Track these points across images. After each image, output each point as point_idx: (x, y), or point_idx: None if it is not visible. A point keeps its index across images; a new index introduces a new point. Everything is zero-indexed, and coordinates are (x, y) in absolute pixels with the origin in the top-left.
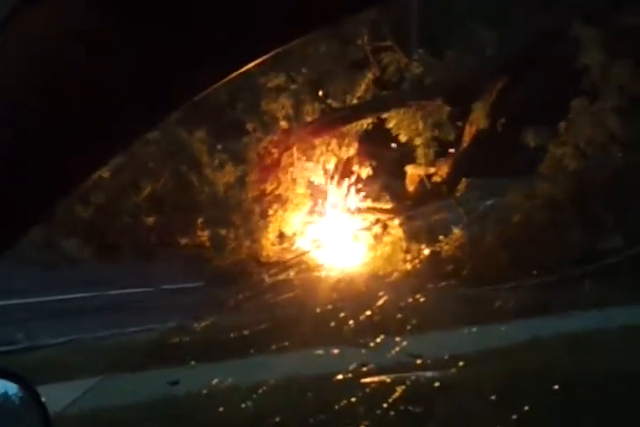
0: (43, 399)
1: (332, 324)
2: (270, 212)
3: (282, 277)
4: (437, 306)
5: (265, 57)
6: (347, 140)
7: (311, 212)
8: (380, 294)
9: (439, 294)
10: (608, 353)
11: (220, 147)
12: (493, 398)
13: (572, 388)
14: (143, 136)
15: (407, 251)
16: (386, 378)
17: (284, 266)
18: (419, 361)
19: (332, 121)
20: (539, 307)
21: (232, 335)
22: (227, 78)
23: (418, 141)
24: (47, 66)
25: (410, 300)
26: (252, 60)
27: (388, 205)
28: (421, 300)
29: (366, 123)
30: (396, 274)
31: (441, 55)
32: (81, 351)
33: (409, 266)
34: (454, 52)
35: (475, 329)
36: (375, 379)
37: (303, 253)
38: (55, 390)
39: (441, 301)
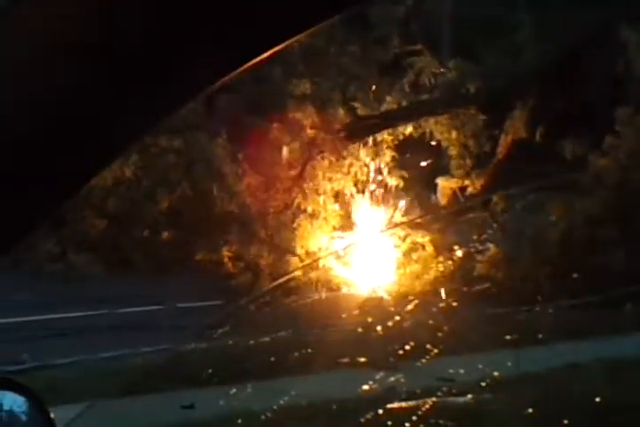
0: (51, 414)
1: (359, 345)
2: (295, 225)
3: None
4: (470, 327)
5: (266, 54)
6: (377, 150)
7: (338, 225)
8: (409, 313)
9: (472, 315)
10: None
11: (241, 156)
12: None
13: (611, 415)
14: (144, 137)
15: (438, 268)
16: (414, 403)
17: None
18: (449, 386)
19: (361, 129)
20: (577, 330)
21: (251, 356)
22: (228, 75)
23: (451, 152)
24: (43, 64)
25: (440, 320)
26: (254, 57)
27: (419, 220)
28: (453, 320)
29: (398, 132)
30: (426, 293)
31: (476, 60)
32: (89, 372)
33: (440, 284)
34: (490, 56)
35: (509, 352)
36: (403, 404)
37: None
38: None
39: (474, 321)
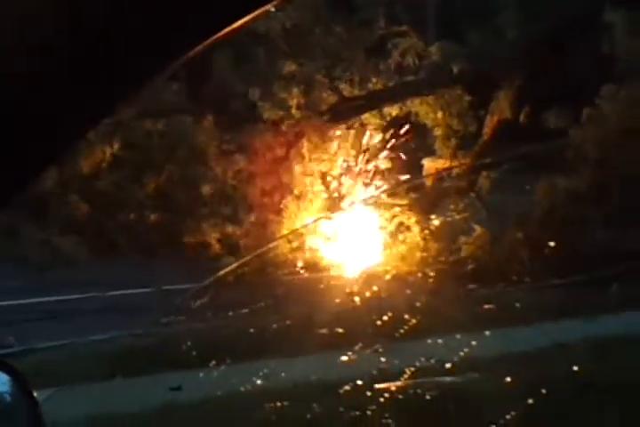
0: (33, 392)
1: (346, 326)
2: (281, 207)
3: (294, 276)
4: (456, 307)
5: (233, 26)
6: (362, 131)
7: (324, 207)
8: (396, 294)
9: (458, 295)
10: (638, 359)
11: (227, 137)
12: (514, 404)
13: (597, 393)
14: (115, 109)
15: (425, 249)
16: (402, 383)
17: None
18: (437, 365)
19: (347, 110)
20: (563, 309)
21: (239, 338)
22: (201, 45)
23: (436, 132)
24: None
25: (427, 301)
26: (221, 29)
27: (405, 201)
28: (439, 301)
29: (384, 113)
30: (412, 274)
31: (461, 41)
32: (76, 356)
33: (426, 265)
34: (475, 37)
35: (496, 332)
36: (391, 384)
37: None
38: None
39: (460, 302)
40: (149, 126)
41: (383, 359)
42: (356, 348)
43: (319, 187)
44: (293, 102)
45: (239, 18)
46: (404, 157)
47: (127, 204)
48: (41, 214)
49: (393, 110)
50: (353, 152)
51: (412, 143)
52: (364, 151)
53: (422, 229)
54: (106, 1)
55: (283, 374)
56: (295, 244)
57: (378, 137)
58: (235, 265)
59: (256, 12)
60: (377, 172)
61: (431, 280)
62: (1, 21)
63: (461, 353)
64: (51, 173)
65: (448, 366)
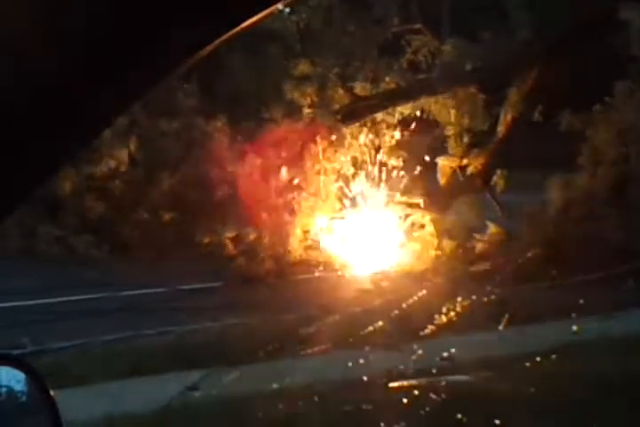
0: (51, 392)
1: (361, 325)
2: (295, 206)
3: (307, 275)
4: (471, 306)
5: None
6: (376, 130)
7: (338, 206)
8: (411, 293)
9: (473, 294)
10: None
11: (241, 138)
12: (530, 403)
13: (615, 392)
14: (128, 109)
15: (439, 248)
16: (415, 382)
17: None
18: (451, 365)
19: (360, 109)
20: (578, 307)
21: (254, 338)
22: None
23: (450, 131)
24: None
25: (442, 300)
26: (233, 28)
27: (419, 200)
28: (454, 300)
29: (397, 111)
30: (427, 272)
31: (475, 39)
32: (91, 355)
33: (441, 264)
34: (489, 35)
35: (511, 331)
36: (404, 383)
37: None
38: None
39: (475, 300)
40: (164, 127)
41: (397, 358)
42: (371, 347)
43: (333, 186)
44: (306, 101)
45: (250, 17)
46: (417, 155)
47: (142, 203)
48: (57, 213)
49: (406, 109)
50: (366, 150)
51: (425, 142)
52: (378, 149)
53: (436, 228)
54: (118, 1)
55: (297, 374)
56: (309, 243)
57: (391, 135)
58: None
59: (267, 11)
60: (390, 170)
61: (445, 279)
62: (18, 21)
63: (476, 352)
64: (66, 172)
65: (463, 364)
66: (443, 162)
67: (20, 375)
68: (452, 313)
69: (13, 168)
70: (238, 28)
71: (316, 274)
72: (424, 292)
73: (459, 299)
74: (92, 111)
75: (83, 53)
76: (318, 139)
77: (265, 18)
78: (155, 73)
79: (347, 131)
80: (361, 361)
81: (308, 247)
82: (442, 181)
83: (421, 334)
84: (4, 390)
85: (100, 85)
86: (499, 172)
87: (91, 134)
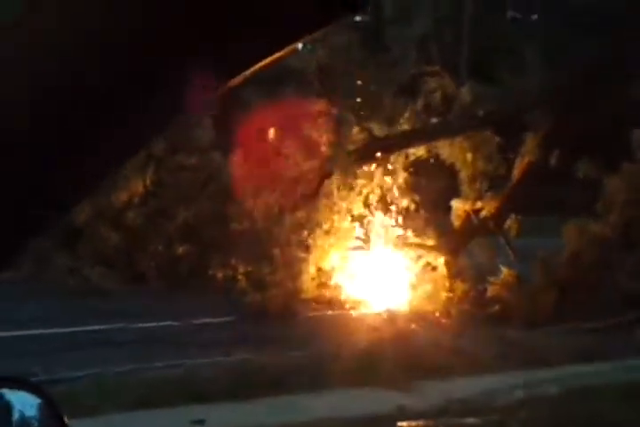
0: (65, 419)
1: (370, 364)
2: (309, 243)
3: (319, 313)
4: (482, 349)
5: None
6: (391, 171)
7: (351, 245)
8: (421, 334)
9: (484, 337)
10: None
11: (256, 173)
12: None
13: None
14: (139, 152)
15: (451, 290)
16: (424, 423)
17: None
18: (459, 407)
19: (376, 149)
20: (590, 353)
21: (264, 373)
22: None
23: (464, 174)
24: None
25: (453, 341)
26: (251, 65)
27: (433, 241)
28: (465, 342)
29: (413, 153)
30: (438, 314)
31: (492, 82)
32: (102, 386)
33: (452, 306)
34: (506, 79)
35: (521, 374)
36: (412, 423)
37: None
38: None
39: (486, 344)
40: (182, 161)
41: (405, 397)
42: (379, 385)
43: (346, 224)
44: (322, 140)
45: (269, 55)
46: (431, 197)
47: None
48: (73, 245)
49: (419, 150)
50: (380, 191)
51: (439, 184)
52: (392, 190)
53: (449, 270)
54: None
55: (305, 410)
56: (322, 280)
57: (405, 176)
58: None
59: (286, 50)
60: (405, 211)
61: (456, 320)
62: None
63: (485, 394)
64: (84, 205)
65: (470, 406)
66: (457, 204)
67: (36, 401)
68: (460, 354)
69: (38, 197)
70: (258, 66)
71: (328, 312)
72: (433, 332)
73: (467, 340)
74: (112, 144)
75: (103, 83)
76: (334, 177)
77: (286, 56)
78: (175, 108)
79: (362, 170)
80: (368, 399)
81: (320, 285)
82: (455, 223)
83: (428, 374)
84: (17, 414)
85: (121, 117)
86: (512, 216)
87: (112, 166)
